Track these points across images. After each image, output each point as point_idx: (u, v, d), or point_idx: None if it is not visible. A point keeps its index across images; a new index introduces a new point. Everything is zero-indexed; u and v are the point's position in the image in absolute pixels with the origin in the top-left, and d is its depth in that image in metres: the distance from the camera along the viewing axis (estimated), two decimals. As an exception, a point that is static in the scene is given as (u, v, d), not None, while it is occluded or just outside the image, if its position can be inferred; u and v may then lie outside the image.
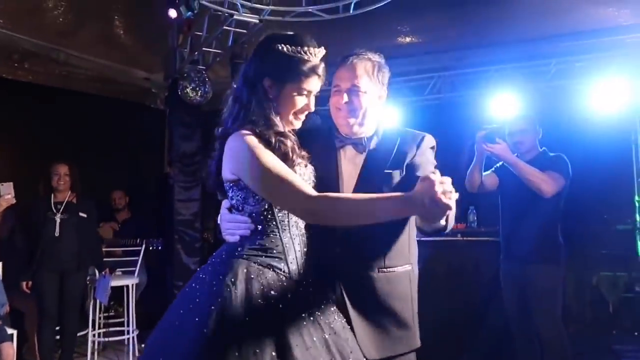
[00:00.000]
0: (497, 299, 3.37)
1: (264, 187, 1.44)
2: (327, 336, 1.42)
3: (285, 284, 1.46)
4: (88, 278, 4.29)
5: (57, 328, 4.07)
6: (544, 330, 3.00)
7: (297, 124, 1.62)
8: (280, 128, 1.54)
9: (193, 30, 4.27)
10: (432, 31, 4.83)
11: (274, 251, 1.48)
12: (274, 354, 1.32)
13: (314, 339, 1.39)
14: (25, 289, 3.98)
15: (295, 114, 1.60)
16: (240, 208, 1.53)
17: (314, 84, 1.59)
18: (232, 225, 1.54)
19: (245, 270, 1.42)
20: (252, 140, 1.46)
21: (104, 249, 4.54)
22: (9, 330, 3.73)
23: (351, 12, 3.74)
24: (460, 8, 4.29)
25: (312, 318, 1.43)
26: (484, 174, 3.19)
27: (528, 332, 3.09)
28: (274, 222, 1.49)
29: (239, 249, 1.49)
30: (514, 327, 3.15)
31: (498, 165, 3.21)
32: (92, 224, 4.27)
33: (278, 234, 1.49)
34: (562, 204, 3.05)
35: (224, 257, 1.50)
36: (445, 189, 1.25)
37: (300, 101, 1.58)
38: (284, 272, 1.47)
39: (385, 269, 1.63)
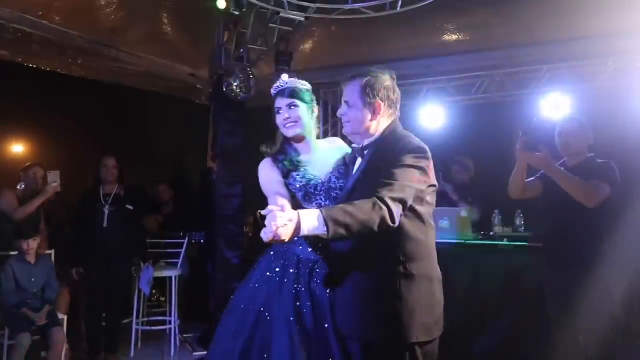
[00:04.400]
0: (542, 307, 3.26)
1: None
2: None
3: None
4: (133, 268, 4.42)
5: (104, 315, 4.22)
6: (588, 342, 2.87)
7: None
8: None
9: (239, 27, 4.31)
10: (480, 29, 4.69)
11: None
12: None
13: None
14: (75, 276, 4.14)
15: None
16: None
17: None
18: None
19: None
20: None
21: (148, 241, 4.67)
22: (60, 316, 3.89)
23: (398, 9, 3.68)
24: (509, 5, 4.16)
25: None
26: (527, 180, 3.08)
27: (573, 342, 2.97)
28: None
29: None
30: (558, 337, 3.04)
31: (543, 171, 3.09)
32: (138, 216, 4.40)
33: None
34: (610, 212, 2.90)
35: None
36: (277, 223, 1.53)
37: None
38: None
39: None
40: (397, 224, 1.67)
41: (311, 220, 1.60)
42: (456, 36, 4.85)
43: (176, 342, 4.64)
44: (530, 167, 3.04)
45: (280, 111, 2.11)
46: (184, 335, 4.85)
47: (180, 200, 5.55)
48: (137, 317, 4.54)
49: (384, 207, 1.63)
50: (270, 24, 3.89)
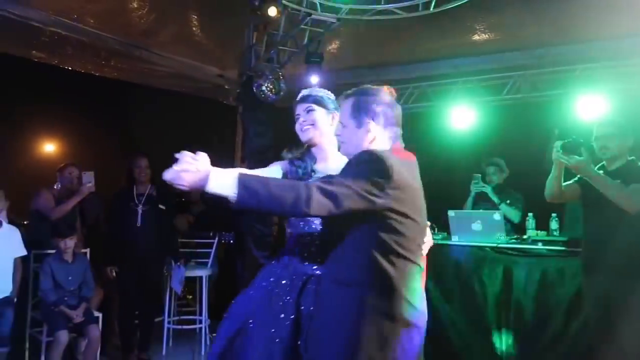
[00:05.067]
0: (579, 314, 3.20)
1: None
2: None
3: None
4: (165, 267, 4.49)
5: (137, 313, 4.29)
6: (629, 349, 2.81)
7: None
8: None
9: (269, 28, 4.33)
10: (511, 28, 4.62)
11: None
12: None
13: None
14: (110, 274, 4.22)
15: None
16: None
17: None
18: None
19: None
20: None
21: (179, 240, 4.73)
22: (95, 313, 3.98)
23: (431, 9, 3.65)
24: (541, 4, 4.08)
25: None
26: (565, 184, 3.02)
27: (613, 349, 2.91)
28: None
29: None
30: (598, 343, 2.98)
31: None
32: (170, 216, 4.46)
33: None
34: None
35: None
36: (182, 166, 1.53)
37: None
38: None
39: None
40: (314, 212, 1.55)
41: (224, 179, 1.54)
42: (486, 36, 4.78)
43: (207, 341, 4.69)
44: (567, 170, 2.99)
45: (298, 117, 2.11)
46: (215, 335, 4.89)
47: (210, 200, 5.60)
48: (169, 316, 4.61)
49: (305, 190, 1.54)
50: (302, 26, 3.88)
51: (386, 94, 1.81)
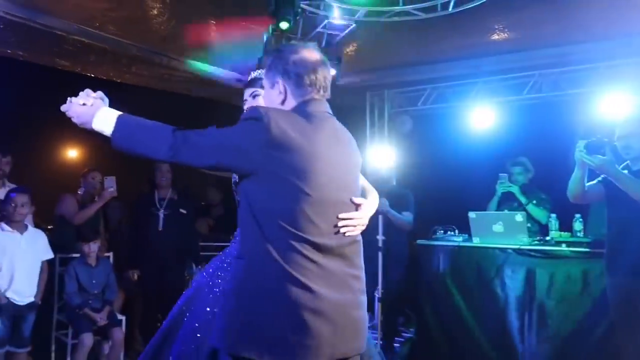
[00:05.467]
0: (605, 316, 3.13)
1: None
2: None
3: None
4: (186, 271, 4.53)
5: (159, 316, 4.34)
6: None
7: None
8: None
9: (286, 33, 4.34)
10: (531, 27, 4.56)
11: None
12: None
13: None
14: (132, 278, 4.28)
15: None
16: None
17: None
18: None
19: None
20: None
21: (200, 244, 4.77)
22: (119, 316, 4.04)
23: (450, 10, 3.62)
24: (561, 1, 4.02)
25: None
26: (588, 184, 2.97)
27: (636, 354, 2.84)
28: None
29: None
30: (624, 345, 2.91)
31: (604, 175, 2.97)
32: (191, 220, 4.51)
33: None
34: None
35: None
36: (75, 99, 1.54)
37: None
38: None
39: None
40: (181, 158, 1.49)
41: (108, 117, 1.53)
42: (506, 35, 4.72)
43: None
44: (591, 170, 2.94)
45: (245, 102, 2.06)
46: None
47: (230, 203, 5.64)
48: (190, 318, 4.64)
49: (174, 135, 1.48)
50: (319, 29, 3.89)
51: (305, 52, 1.64)
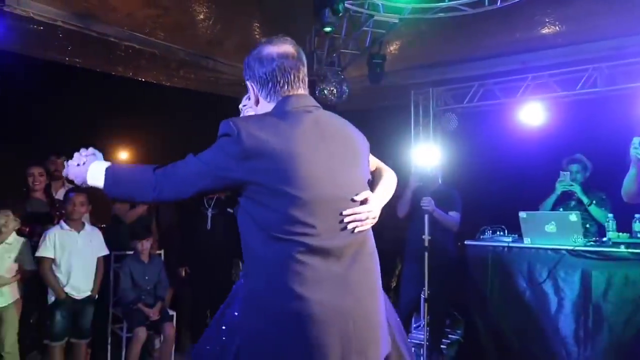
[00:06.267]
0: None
1: None
2: None
3: None
4: (233, 269, 4.63)
5: (208, 312, 4.45)
6: None
7: None
8: None
9: (331, 33, 4.37)
10: (583, 19, 4.38)
11: None
12: None
13: None
14: (182, 274, 4.41)
15: None
16: None
17: None
18: None
19: None
20: None
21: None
22: (170, 312, 4.17)
23: (498, 4, 3.54)
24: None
25: None
26: None
27: None
28: None
29: None
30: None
31: None
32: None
33: None
34: None
35: None
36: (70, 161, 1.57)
37: None
38: None
39: None
40: (165, 197, 1.47)
41: (97, 171, 1.54)
42: (557, 28, 4.56)
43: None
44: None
45: (240, 106, 2.04)
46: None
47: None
48: (237, 315, 4.73)
49: (154, 175, 1.45)
50: (364, 28, 3.89)
51: (270, 48, 1.53)
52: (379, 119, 5.85)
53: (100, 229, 4.12)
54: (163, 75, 5.49)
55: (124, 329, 4.01)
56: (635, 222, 3.46)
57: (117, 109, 5.54)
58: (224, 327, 1.69)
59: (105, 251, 3.98)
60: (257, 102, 1.57)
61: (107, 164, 1.56)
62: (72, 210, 3.77)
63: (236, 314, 1.69)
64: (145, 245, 4.10)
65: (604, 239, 3.56)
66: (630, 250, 3.27)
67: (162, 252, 4.47)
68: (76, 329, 3.72)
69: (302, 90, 1.55)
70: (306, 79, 1.56)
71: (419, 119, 5.31)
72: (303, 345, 1.36)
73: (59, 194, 4.24)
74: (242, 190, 1.43)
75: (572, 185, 4.02)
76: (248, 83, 1.58)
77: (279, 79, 1.51)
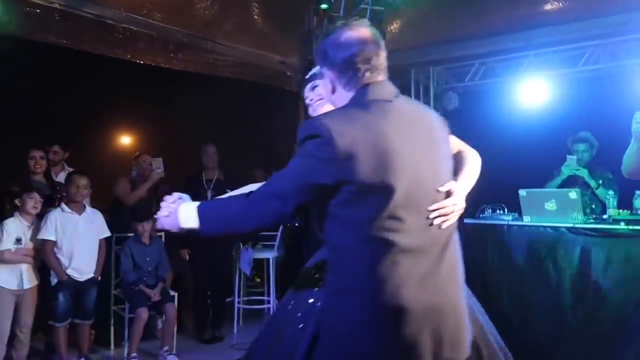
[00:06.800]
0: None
1: None
2: None
3: None
4: (234, 250, 4.65)
5: (209, 293, 4.48)
6: None
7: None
8: None
9: (329, 11, 4.30)
10: (584, -5, 4.30)
11: None
12: None
13: None
14: (184, 256, 4.44)
15: None
16: None
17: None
18: None
19: None
20: None
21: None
22: (172, 293, 4.20)
23: (499, -21, 3.46)
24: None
25: None
26: None
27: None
28: None
29: None
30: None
31: None
32: (238, 200, 4.60)
33: None
34: None
35: None
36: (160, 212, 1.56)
37: None
38: None
39: None
40: (269, 223, 1.42)
41: (188, 213, 1.47)
42: (560, 4, 4.47)
43: (275, 321, 4.82)
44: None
45: (306, 100, 2.00)
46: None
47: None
48: (239, 296, 4.79)
49: (250, 203, 1.39)
50: (362, 5, 3.83)
51: (349, 32, 1.45)
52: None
53: (102, 211, 4.14)
54: (161, 58, 5.43)
55: (126, 310, 4.05)
56: (636, 198, 3.42)
57: (116, 92, 5.53)
58: (299, 315, 1.70)
59: (107, 233, 4.01)
60: (333, 90, 1.51)
61: (195, 204, 1.51)
62: (74, 193, 3.80)
63: (314, 302, 1.70)
64: (146, 227, 4.12)
65: (605, 216, 3.54)
66: (630, 227, 3.24)
67: (162, 234, 4.49)
68: (79, 310, 3.77)
69: (382, 76, 1.48)
70: (385, 64, 1.50)
71: (419, 98, 5.27)
72: (396, 343, 1.33)
73: (59, 178, 4.26)
74: (333, 193, 1.35)
75: (578, 169, 3.98)
76: (324, 71, 1.51)
77: (358, 65, 1.43)
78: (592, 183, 3.93)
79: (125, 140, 6.42)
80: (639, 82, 4.14)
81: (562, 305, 3.42)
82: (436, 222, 1.41)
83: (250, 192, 1.41)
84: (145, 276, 4.06)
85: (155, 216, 1.59)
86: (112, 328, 4.20)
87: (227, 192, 4.32)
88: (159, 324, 4.30)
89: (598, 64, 4.39)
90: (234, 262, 4.74)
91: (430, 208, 1.40)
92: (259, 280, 5.46)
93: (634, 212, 3.43)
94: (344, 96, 1.47)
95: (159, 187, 4.63)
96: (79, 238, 3.81)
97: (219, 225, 1.48)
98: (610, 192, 3.62)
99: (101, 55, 5.24)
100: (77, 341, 3.81)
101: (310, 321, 1.63)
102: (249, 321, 4.93)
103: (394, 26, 4.95)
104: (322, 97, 1.82)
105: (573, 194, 3.53)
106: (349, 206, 1.34)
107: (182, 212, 1.49)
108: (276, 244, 4.85)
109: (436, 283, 1.40)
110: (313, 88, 1.95)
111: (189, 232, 1.51)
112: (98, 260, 3.91)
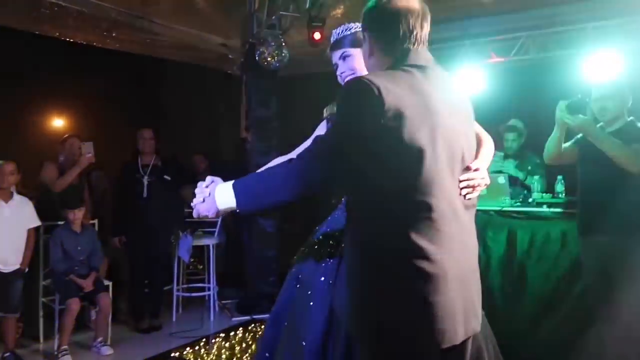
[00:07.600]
0: (581, 274, 3.18)
1: None
2: None
3: None
4: (172, 237, 4.55)
5: (146, 282, 4.37)
6: (627, 308, 2.79)
7: None
8: None
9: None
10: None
11: None
12: None
13: None
14: (118, 244, 4.29)
15: None
16: None
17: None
18: None
19: None
20: None
21: (186, 211, 4.77)
22: (105, 282, 4.07)
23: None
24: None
25: None
26: (564, 145, 2.98)
27: (612, 315, 2.88)
28: None
29: None
30: (597, 306, 2.95)
31: (579, 136, 2.97)
32: (176, 186, 4.50)
33: None
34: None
35: None
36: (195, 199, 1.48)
37: None
38: None
39: None
40: (311, 188, 1.35)
41: (225, 192, 1.41)
42: (495, -4, 4.63)
43: (215, 308, 4.79)
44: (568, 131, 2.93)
45: (336, 67, 1.82)
46: (223, 302, 5.00)
47: (215, 170, 5.60)
48: (178, 284, 4.70)
49: (290, 170, 1.35)
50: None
51: (400, 1, 1.44)
52: (325, 85, 5.80)
53: (30, 198, 3.92)
54: (93, 36, 5.17)
55: (57, 301, 3.89)
56: (557, 183, 3.65)
57: (45, 72, 5.21)
58: (322, 279, 1.64)
59: (36, 222, 3.82)
60: (371, 53, 1.49)
61: (230, 183, 1.42)
62: (2, 180, 3.59)
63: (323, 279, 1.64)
64: (77, 214, 3.94)
65: (530, 199, 3.74)
66: (552, 209, 3.45)
67: (95, 221, 4.32)
68: (4, 303, 3.58)
69: (422, 46, 1.47)
70: (427, 37, 1.49)
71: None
72: (430, 304, 1.30)
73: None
74: (377, 149, 1.29)
75: (503, 166, 4.16)
76: (365, 34, 1.49)
77: (401, 32, 1.42)
78: (520, 175, 4.14)
79: (56, 122, 6.08)
80: (565, 73, 4.36)
81: (491, 288, 3.60)
82: (463, 192, 1.42)
83: (291, 159, 1.36)
84: (77, 266, 3.90)
85: (191, 205, 1.49)
86: (41, 320, 4.01)
87: (164, 178, 4.27)
88: (93, 315, 4.16)
89: (528, 55, 4.59)
90: (173, 249, 4.64)
91: (461, 178, 1.42)
92: (201, 267, 5.38)
93: (555, 195, 3.66)
94: (382, 61, 1.47)
95: (91, 172, 4.44)
96: (4, 227, 3.60)
97: (259, 198, 1.40)
98: (536, 177, 3.83)
99: (27, 32, 4.93)
100: (2, 336, 3.62)
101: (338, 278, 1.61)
102: (188, 310, 4.86)
103: (337, 12, 4.94)
104: (354, 71, 1.75)
105: (501, 179, 3.71)
106: (389, 164, 1.30)
107: (218, 194, 1.42)
108: (216, 230, 4.79)
109: (465, 248, 1.42)
110: (345, 58, 1.80)
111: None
112: (25, 251, 3.71)
